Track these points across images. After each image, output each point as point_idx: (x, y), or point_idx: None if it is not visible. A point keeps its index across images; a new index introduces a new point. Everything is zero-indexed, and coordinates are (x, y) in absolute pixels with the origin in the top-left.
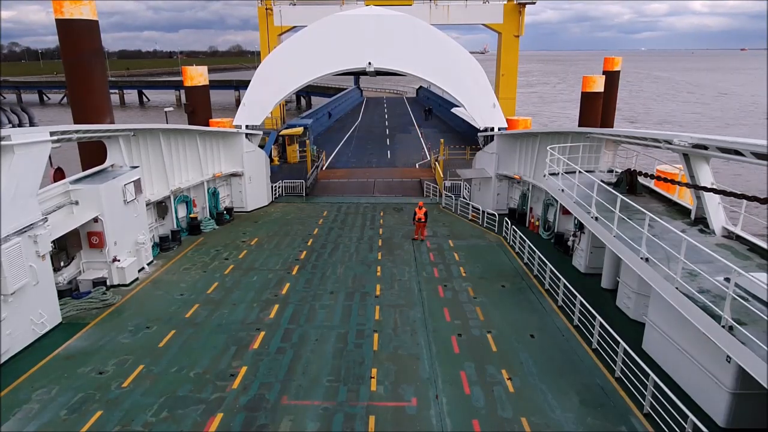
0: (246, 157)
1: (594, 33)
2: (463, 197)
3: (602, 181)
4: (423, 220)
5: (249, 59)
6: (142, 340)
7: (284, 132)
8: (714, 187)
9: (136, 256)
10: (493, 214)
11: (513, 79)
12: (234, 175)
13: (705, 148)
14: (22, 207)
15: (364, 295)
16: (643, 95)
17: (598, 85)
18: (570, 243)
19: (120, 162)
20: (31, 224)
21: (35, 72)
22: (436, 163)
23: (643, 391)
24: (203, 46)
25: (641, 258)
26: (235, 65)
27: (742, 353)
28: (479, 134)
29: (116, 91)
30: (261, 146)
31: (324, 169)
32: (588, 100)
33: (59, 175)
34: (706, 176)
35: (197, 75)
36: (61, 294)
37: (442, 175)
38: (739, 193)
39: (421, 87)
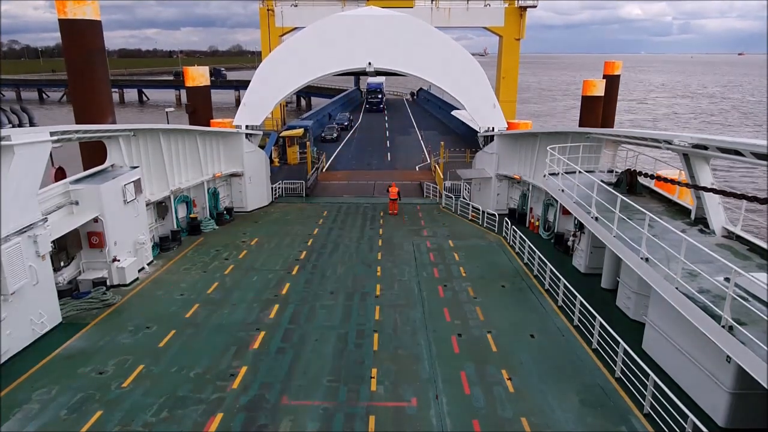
0: (246, 157)
1: (618, 35)
2: (463, 197)
3: (602, 181)
4: (394, 197)
5: (249, 59)
6: (142, 340)
7: (284, 133)
8: (714, 187)
9: (136, 256)
10: (493, 215)
11: (513, 82)
12: (234, 175)
13: (705, 148)
14: (22, 207)
15: (364, 295)
16: None
17: (599, 89)
18: (570, 243)
19: (120, 162)
20: (31, 224)
21: (35, 70)
22: (436, 165)
23: (643, 391)
24: (205, 46)
25: (641, 258)
26: (235, 65)
27: (742, 353)
28: (479, 134)
29: (116, 90)
30: (261, 147)
31: (324, 171)
32: (588, 103)
33: (60, 174)
34: (706, 176)
35: (198, 75)
36: (61, 294)
37: (442, 176)
38: (739, 193)
39: (421, 88)
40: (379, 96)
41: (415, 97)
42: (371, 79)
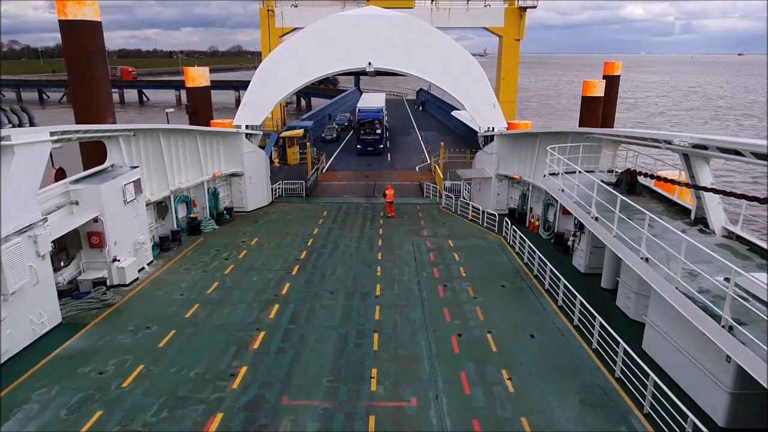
0: (246, 157)
1: (618, 35)
2: (463, 197)
3: (602, 181)
4: (390, 200)
5: (249, 59)
6: (142, 340)
7: (284, 134)
8: (714, 187)
9: (136, 256)
10: (493, 214)
11: (513, 82)
12: (234, 175)
13: (705, 148)
14: (22, 207)
15: (364, 295)
16: None
17: (599, 90)
18: (570, 243)
19: (120, 162)
20: (31, 224)
21: (35, 70)
22: (436, 165)
23: (643, 391)
24: (205, 46)
25: (641, 258)
26: (235, 65)
27: (742, 353)
28: (479, 134)
29: (116, 90)
30: (261, 147)
31: (324, 171)
32: (588, 104)
33: (60, 174)
34: (706, 176)
35: (198, 76)
36: (61, 294)
37: (442, 176)
38: (739, 193)
39: (421, 89)
40: (378, 131)
41: (422, 107)
42: (364, 102)
